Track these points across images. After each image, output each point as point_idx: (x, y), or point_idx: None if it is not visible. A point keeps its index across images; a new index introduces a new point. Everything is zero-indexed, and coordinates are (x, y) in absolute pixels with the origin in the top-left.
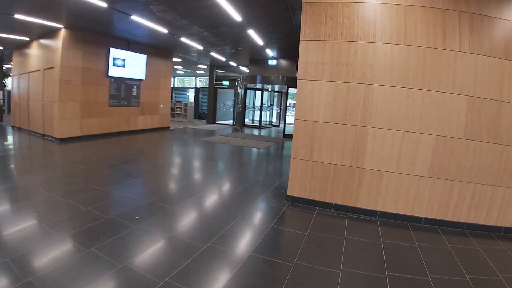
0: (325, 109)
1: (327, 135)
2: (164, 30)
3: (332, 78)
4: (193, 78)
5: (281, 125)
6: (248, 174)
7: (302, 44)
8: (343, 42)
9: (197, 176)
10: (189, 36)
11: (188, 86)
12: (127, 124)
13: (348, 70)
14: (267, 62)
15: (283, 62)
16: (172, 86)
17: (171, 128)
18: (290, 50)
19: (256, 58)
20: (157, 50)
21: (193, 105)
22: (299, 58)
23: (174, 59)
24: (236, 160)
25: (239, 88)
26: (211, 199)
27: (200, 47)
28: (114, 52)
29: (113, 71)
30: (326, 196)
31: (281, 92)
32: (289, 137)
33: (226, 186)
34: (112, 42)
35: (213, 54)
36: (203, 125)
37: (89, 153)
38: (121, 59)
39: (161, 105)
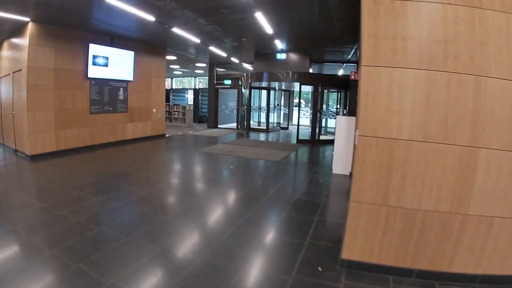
0: (411, 117)
1: (414, 163)
2: (150, 18)
3: (422, 65)
4: (192, 78)
5: (290, 127)
6: (267, 212)
7: (367, 5)
8: (435, 3)
9: (196, 221)
10: (182, 25)
11: (187, 87)
12: (113, 134)
13: (448, 51)
14: (275, 56)
15: (293, 57)
16: (169, 87)
17: (167, 135)
18: (302, 40)
19: (262, 52)
20: (147, 45)
21: (192, 108)
22: (362, 29)
23: (169, 57)
24: (247, 182)
25: (243, 87)
26: (213, 273)
27: (197, 40)
28: (94, 49)
29: (94, 72)
30: (405, 260)
31: (288, 91)
32: (304, 142)
33: (236, 243)
34: (92, 37)
35: (212, 49)
36: (203, 130)
37: (57, 175)
38: (103, 57)
39: (154, 110)
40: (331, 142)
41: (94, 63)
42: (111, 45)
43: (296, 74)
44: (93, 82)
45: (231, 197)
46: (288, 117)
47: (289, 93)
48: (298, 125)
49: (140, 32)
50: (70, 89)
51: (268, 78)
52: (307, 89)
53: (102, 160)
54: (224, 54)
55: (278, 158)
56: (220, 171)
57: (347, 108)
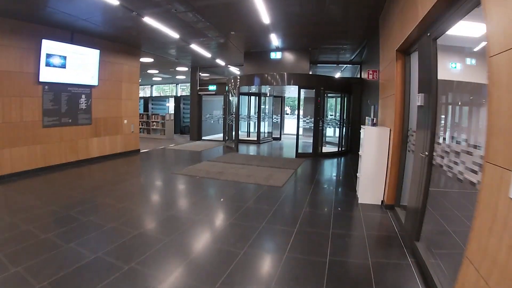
0: None
1: None
2: (114, 2)
3: None
4: (174, 85)
5: (283, 138)
6: None
7: None
8: None
9: None
10: (156, 14)
11: (168, 94)
12: (74, 152)
13: None
14: (269, 55)
15: (290, 56)
16: (149, 95)
17: (142, 150)
18: (302, 36)
19: (253, 52)
20: (116, 43)
21: (172, 118)
22: None
23: (145, 59)
24: (246, 230)
25: (230, 93)
26: None
27: (175, 35)
28: (48, 46)
29: (48, 75)
30: None
31: (280, 97)
32: (304, 156)
33: None
34: (46, 31)
35: (194, 47)
36: (185, 144)
37: None
38: (60, 56)
39: (126, 121)
40: (336, 155)
41: (48, 64)
42: (71, 42)
43: (295, 76)
44: (46, 87)
45: (226, 265)
46: (280, 126)
47: (280, 100)
48: (297, 136)
49: (106, 25)
50: (16, 96)
51: (260, 81)
52: (293, 94)
53: (56, 186)
54: (208, 55)
55: (280, 181)
56: (206, 209)
57: (349, 115)
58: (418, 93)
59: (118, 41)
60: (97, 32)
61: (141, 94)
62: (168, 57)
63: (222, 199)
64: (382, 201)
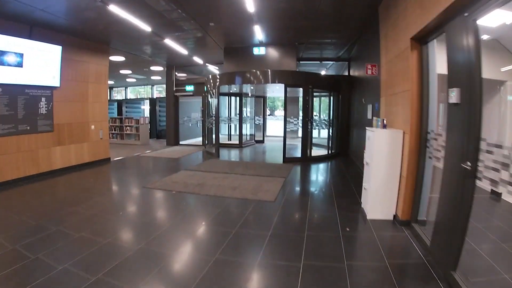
0: None
1: None
2: None
3: None
4: (149, 87)
5: (266, 141)
6: None
7: None
8: None
9: None
10: (124, 2)
11: (144, 97)
12: (34, 164)
13: None
14: (252, 51)
15: (275, 52)
16: (123, 98)
17: (113, 159)
18: (289, 28)
19: (234, 47)
20: (81, 39)
21: (147, 122)
22: None
23: (115, 57)
24: (237, 269)
25: (209, 94)
26: None
27: (147, 28)
28: (1, 42)
29: (1, 75)
30: None
31: (262, 97)
32: (293, 161)
33: None
34: (1, 24)
35: (169, 43)
36: (161, 150)
37: None
38: (16, 53)
39: (93, 126)
40: (326, 158)
41: (1, 63)
42: (30, 37)
43: (281, 73)
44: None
45: None
46: (263, 128)
47: (262, 100)
48: (284, 138)
49: (68, 16)
50: None
51: (242, 79)
52: (276, 94)
53: (6, 208)
54: (184, 52)
55: (271, 194)
56: (183, 240)
57: (338, 115)
58: (450, 87)
59: (84, 36)
60: (59, 26)
61: (116, 97)
62: (141, 55)
63: (203, 223)
64: (394, 216)
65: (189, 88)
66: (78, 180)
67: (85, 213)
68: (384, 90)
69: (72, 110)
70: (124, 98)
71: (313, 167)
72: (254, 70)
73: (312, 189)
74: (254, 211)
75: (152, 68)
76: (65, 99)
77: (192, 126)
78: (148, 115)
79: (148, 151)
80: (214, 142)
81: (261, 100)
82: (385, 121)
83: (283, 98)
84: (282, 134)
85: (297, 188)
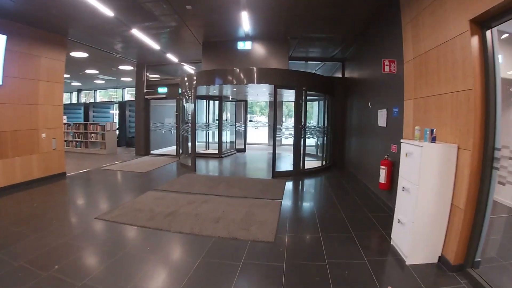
0: None
1: None
2: None
3: None
4: (121, 90)
5: (248, 149)
6: None
7: None
8: None
9: None
10: None
11: (113, 100)
12: None
13: None
14: (236, 46)
15: (263, 48)
16: (91, 100)
17: (69, 173)
18: (281, 18)
19: (214, 41)
20: (31, 27)
21: (115, 128)
22: None
23: (77, 53)
24: None
25: (185, 97)
26: None
27: (109, 13)
28: None
29: None
30: None
31: (244, 101)
32: (283, 176)
33: None
34: None
35: (138, 35)
36: (129, 161)
37: None
38: None
39: (44, 135)
40: (320, 171)
41: None
42: None
43: (270, 72)
44: None
45: None
46: (245, 135)
47: (243, 105)
48: (274, 149)
49: None
50: None
51: (224, 79)
52: (260, 98)
53: None
54: (156, 46)
55: (268, 229)
56: None
57: (333, 121)
58: None
59: (35, 24)
60: (4, 10)
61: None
62: (106, 50)
63: None
64: (439, 257)
65: (162, 90)
66: (17, 204)
67: (4, 266)
68: (412, 91)
69: (17, 115)
70: (92, 101)
71: (309, 184)
72: (238, 69)
73: (319, 217)
74: (249, 261)
75: (121, 67)
76: (8, 100)
77: (165, 133)
78: (116, 121)
79: (112, 163)
80: (189, 152)
81: (241, 104)
82: (434, 132)
83: (264, 103)
84: (265, 142)
85: (300, 217)
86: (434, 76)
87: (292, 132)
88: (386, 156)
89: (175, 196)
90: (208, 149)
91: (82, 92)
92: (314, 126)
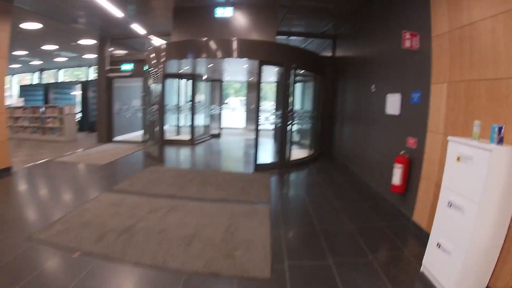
0: None
1: None
2: None
3: None
4: (87, 69)
5: (223, 134)
6: None
7: None
8: None
9: None
10: None
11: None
12: None
13: None
14: (213, 13)
15: (245, 15)
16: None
17: (16, 168)
18: None
19: (188, 7)
20: None
21: (74, 111)
22: None
23: (30, 25)
24: None
25: (152, 75)
26: None
27: None
28: None
29: None
30: None
31: (219, 81)
32: (266, 168)
33: None
34: None
35: None
36: (88, 150)
37: None
38: None
39: None
40: (308, 162)
41: None
42: None
43: (255, 45)
44: None
45: None
46: (220, 119)
47: (219, 85)
48: (257, 137)
49: None
50: None
51: (198, 51)
52: (239, 77)
53: None
54: (119, 13)
55: (259, 254)
56: None
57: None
58: None
59: None
60: None
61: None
62: (62, 20)
63: None
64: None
65: (127, 67)
66: None
67: None
68: (446, 72)
69: None
70: (52, 82)
71: (299, 180)
72: (216, 40)
73: (323, 232)
74: None
75: (82, 42)
76: None
77: (132, 116)
78: (76, 103)
79: (69, 153)
80: (157, 139)
81: (217, 85)
82: (502, 131)
83: (239, 84)
84: (241, 127)
85: (298, 233)
86: (487, 54)
87: (276, 116)
88: (402, 152)
89: (136, 200)
90: (179, 135)
91: (45, 72)
92: (303, 111)
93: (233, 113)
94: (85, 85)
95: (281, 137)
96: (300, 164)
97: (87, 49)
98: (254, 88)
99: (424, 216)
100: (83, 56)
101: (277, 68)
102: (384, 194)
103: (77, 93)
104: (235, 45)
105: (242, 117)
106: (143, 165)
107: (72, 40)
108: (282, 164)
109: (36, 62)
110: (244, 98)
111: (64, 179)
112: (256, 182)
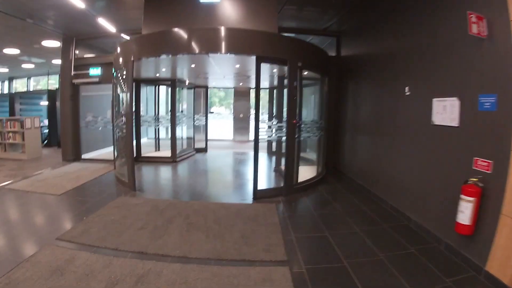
0: None
1: None
2: None
3: None
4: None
5: (209, 148)
6: None
7: None
8: None
9: None
10: None
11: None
12: None
13: None
14: None
15: (233, 3)
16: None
17: None
18: None
19: None
20: None
21: (38, 124)
22: None
23: None
24: None
25: (120, 79)
26: None
27: None
28: None
29: None
30: None
31: (204, 88)
32: (268, 195)
33: None
34: None
35: None
36: (50, 172)
37: None
38: None
39: None
40: (318, 184)
41: None
42: None
43: (251, 35)
44: None
45: None
46: (205, 131)
47: (204, 92)
48: (256, 155)
49: None
50: None
51: (175, 45)
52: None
53: None
54: (80, 4)
55: None
56: None
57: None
58: None
59: None
60: None
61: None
62: (17, 15)
63: None
64: None
65: (95, 71)
66: None
67: None
68: None
69: None
70: (18, 91)
71: (314, 210)
72: (199, 29)
73: None
74: None
75: (45, 43)
76: None
77: (105, 130)
78: (42, 115)
79: (25, 176)
80: (128, 157)
81: (201, 92)
82: None
83: (223, 93)
84: (229, 138)
85: None
86: None
87: (275, 128)
88: (473, 180)
89: (89, 260)
90: (158, 151)
91: (16, 81)
92: (311, 121)
93: (220, 124)
94: (53, 94)
95: (288, 155)
96: (308, 187)
97: (53, 52)
98: (242, 96)
99: (505, 266)
100: (52, 61)
101: (275, 69)
102: (434, 231)
103: (45, 103)
104: (224, 35)
105: (229, 128)
106: (109, 195)
107: (34, 41)
108: (288, 188)
109: (3, 70)
110: (231, 107)
111: (4, 220)
112: (261, 220)
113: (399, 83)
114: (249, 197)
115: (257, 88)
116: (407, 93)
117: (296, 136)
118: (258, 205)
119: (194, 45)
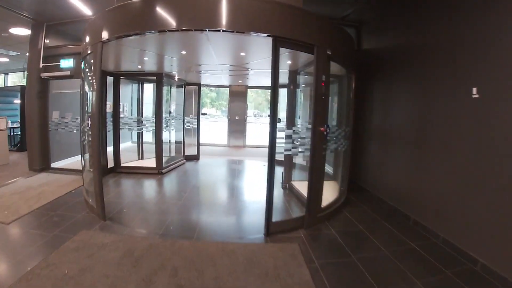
0: None
1: None
2: None
3: None
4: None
5: (202, 155)
6: None
7: None
8: None
9: None
10: None
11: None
12: None
13: None
14: None
15: None
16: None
17: None
18: None
19: None
20: None
21: (4, 126)
22: None
23: None
24: None
25: (86, 68)
26: None
27: None
28: None
29: None
30: None
31: (197, 85)
32: (286, 229)
33: None
34: None
35: None
36: (9, 185)
37: None
38: None
39: None
40: (342, 207)
41: None
42: None
43: (266, 8)
44: None
45: None
46: (198, 135)
47: (195, 90)
48: (272, 166)
49: None
50: None
51: (162, 18)
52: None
53: None
54: None
55: None
56: None
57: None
58: None
59: None
60: None
61: None
62: None
63: None
64: None
65: (66, 63)
66: None
67: None
68: None
69: None
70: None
71: (350, 252)
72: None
73: None
74: None
75: (14, 30)
76: None
77: (76, 132)
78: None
79: None
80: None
81: (193, 90)
82: None
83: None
84: (223, 143)
85: None
86: None
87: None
88: None
89: None
90: (142, 159)
91: None
92: (338, 128)
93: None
94: (24, 91)
95: (312, 174)
96: (334, 213)
97: (25, 42)
98: (239, 96)
99: None
100: (27, 54)
101: (289, 61)
102: None
103: (18, 101)
104: (228, 6)
105: (223, 131)
106: (71, 226)
107: (1, 28)
108: (311, 219)
109: None
110: (223, 108)
111: None
112: (284, 276)
113: (461, 83)
114: (259, 231)
115: (275, 84)
116: (475, 96)
117: (324, 147)
118: (274, 246)
119: (185, 19)
